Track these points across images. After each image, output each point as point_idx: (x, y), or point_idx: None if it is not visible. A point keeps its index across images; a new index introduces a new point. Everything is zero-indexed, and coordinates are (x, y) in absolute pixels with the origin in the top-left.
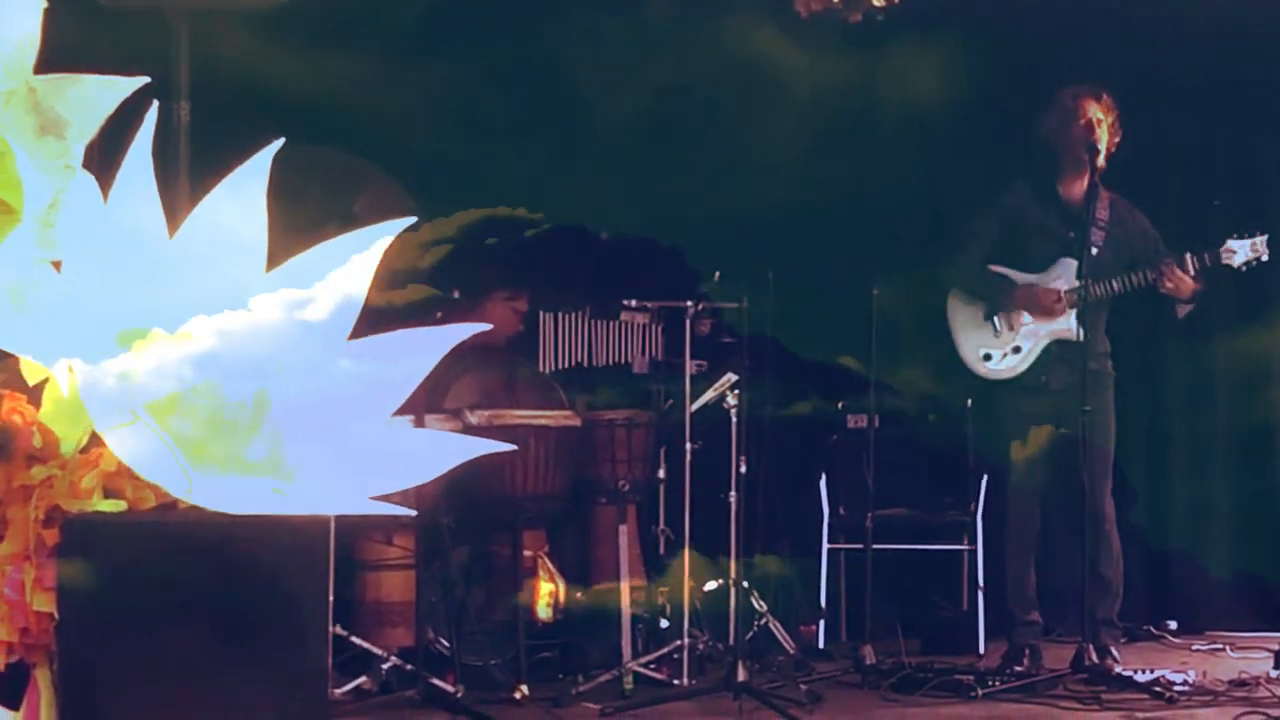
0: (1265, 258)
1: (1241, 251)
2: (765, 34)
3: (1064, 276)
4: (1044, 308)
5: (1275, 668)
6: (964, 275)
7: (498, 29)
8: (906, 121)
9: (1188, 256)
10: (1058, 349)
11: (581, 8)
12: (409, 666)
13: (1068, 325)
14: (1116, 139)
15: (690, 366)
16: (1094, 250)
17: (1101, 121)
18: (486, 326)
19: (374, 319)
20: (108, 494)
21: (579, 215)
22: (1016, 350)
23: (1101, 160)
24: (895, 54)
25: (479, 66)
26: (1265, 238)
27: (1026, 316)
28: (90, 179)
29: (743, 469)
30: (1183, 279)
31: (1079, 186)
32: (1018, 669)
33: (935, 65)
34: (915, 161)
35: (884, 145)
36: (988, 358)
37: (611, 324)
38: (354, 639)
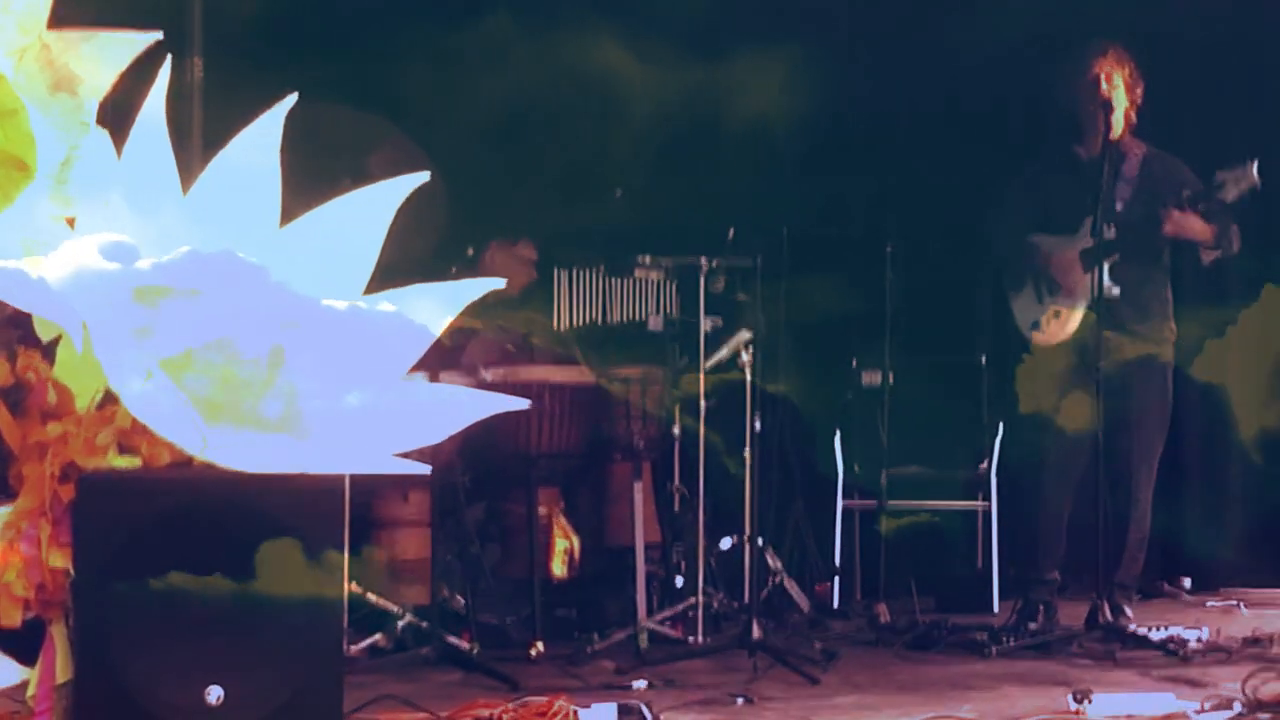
0: (1258, 184)
1: (1231, 181)
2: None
3: (1088, 237)
4: (1064, 269)
5: None
6: (999, 245)
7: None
8: None
9: (1185, 193)
10: (1108, 313)
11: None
12: (424, 624)
13: (1104, 283)
14: (1139, 89)
15: (706, 324)
16: (1118, 205)
17: (1113, 75)
18: (501, 282)
19: (388, 274)
20: (123, 450)
21: None
22: (1057, 315)
23: (1120, 116)
24: None
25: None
26: (1255, 163)
27: (1052, 287)
28: (104, 135)
29: (757, 426)
30: (1183, 219)
31: (1099, 145)
32: (1032, 625)
33: None
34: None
35: None
36: (1035, 326)
37: (625, 280)
38: (369, 596)
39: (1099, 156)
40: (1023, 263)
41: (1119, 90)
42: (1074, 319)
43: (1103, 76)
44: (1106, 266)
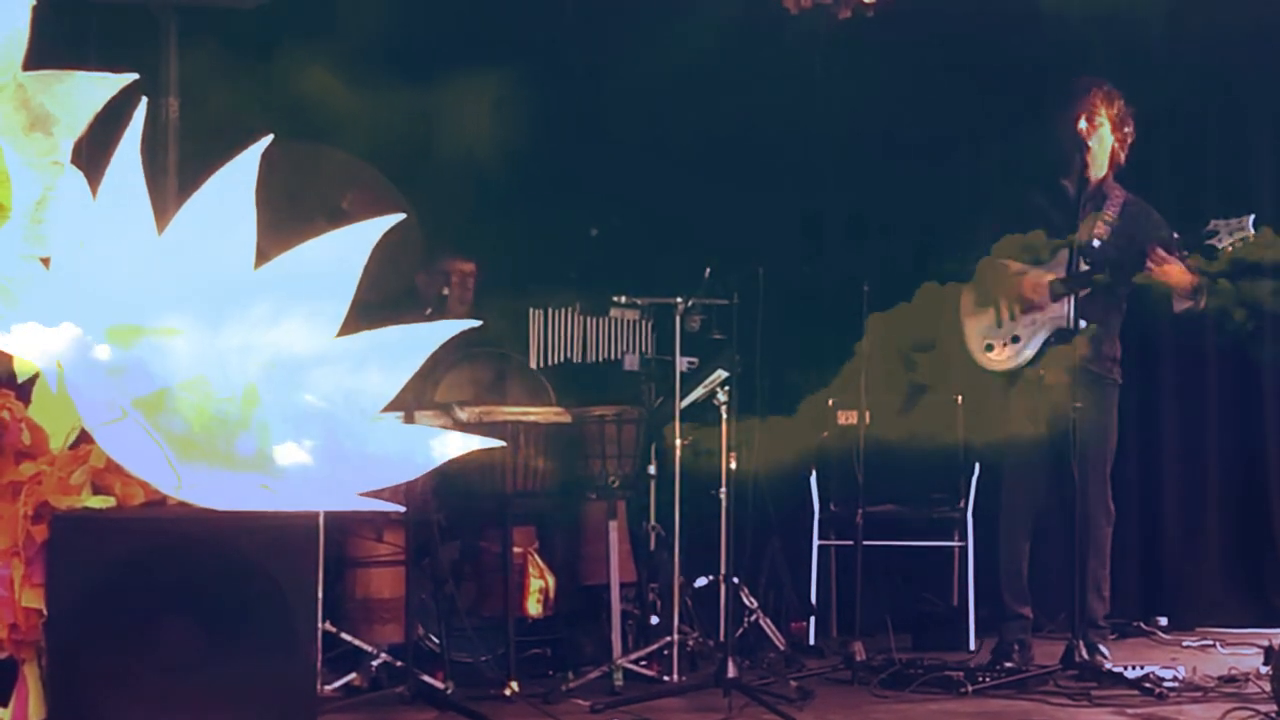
0: (1251, 237)
1: (1225, 231)
2: None
3: (1061, 266)
4: (1029, 296)
5: (1265, 664)
6: (968, 266)
7: None
8: None
9: (1174, 235)
10: (1058, 345)
11: None
12: (399, 663)
13: (1065, 314)
14: (1129, 128)
15: (681, 363)
16: (1096, 244)
17: (1095, 115)
18: (476, 323)
19: (362, 315)
20: (97, 490)
21: None
22: (1015, 339)
23: (1104, 156)
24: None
25: None
26: (1251, 217)
27: (1024, 306)
28: (79, 175)
29: (733, 465)
30: (1165, 261)
31: (1089, 183)
32: (1008, 664)
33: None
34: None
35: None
36: (989, 348)
37: (601, 320)
38: (344, 635)
39: (1078, 193)
40: (992, 283)
41: (1102, 130)
42: (1030, 345)
43: (1083, 116)
44: (1073, 300)
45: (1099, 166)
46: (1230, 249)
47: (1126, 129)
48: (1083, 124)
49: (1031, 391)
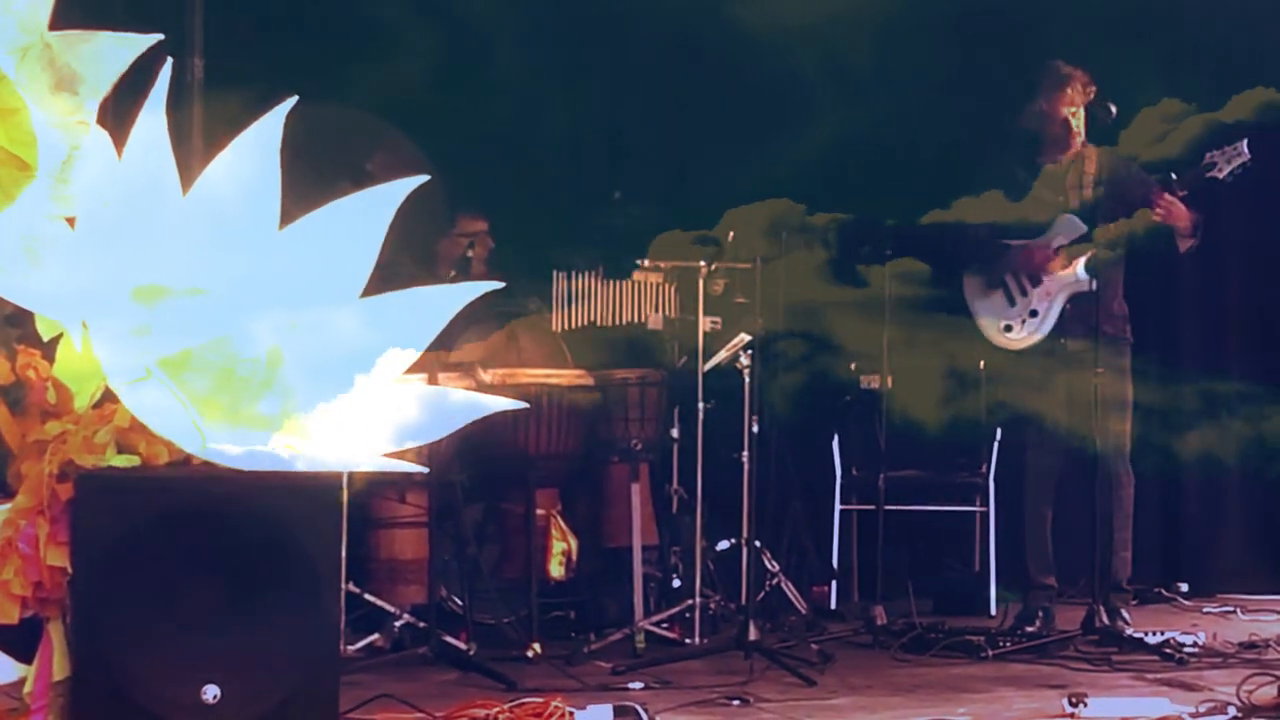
0: (1249, 160)
1: (1223, 160)
2: None
3: (1062, 233)
4: (1040, 264)
5: None
6: (965, 251)
7: None
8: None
9: (1172, 175)
10: (1073, 310)
11: None
12: (422, 624)
13: (1076, 278)
14: (1091, 91)
15: (705, 323)
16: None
17: (1074, 97)
18: (500, 284)
19: (387, 275)
20: (121, 449)
21: None
22: (1034, 314)
23: (1080, 125)
24: None
25: None
26: (1245, 141)
27: (1034, 279)
28: (104, 135)
29: (755, 429)
30: (1172, 203)
31: (1064, 157)
32: (1029, 630)
33: None
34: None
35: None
36: (1008, 329)
37: (624, 283)
38: (367, 596)
39: (1065, 166)
40: (997, 264)
41: (1080, 111)
42: (1050, 316)
43: (1067, 100)
44: (1082, 261)
45: (1078, 139)
46: (1230, 178)
47: (1089, 93)
48: (1065, 108)
49: (1054, 361)
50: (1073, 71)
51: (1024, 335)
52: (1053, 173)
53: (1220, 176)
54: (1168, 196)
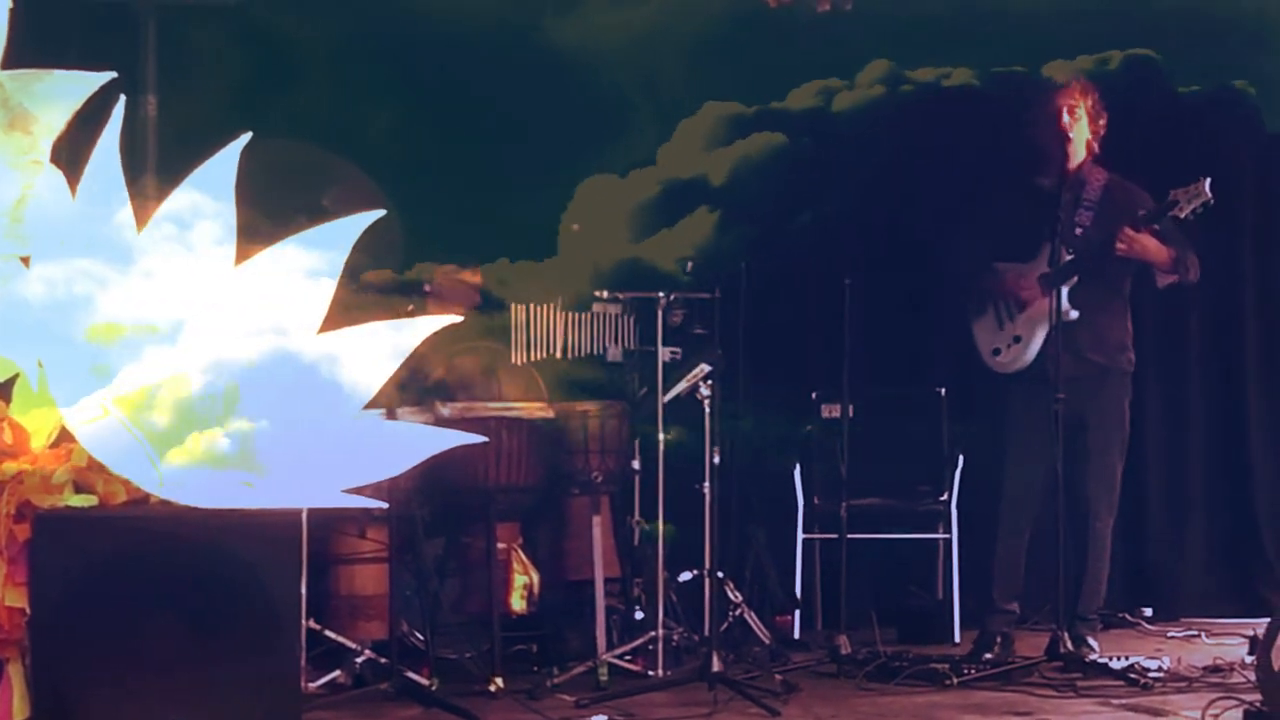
0: (1210, 201)
1: (1184, 199)
2: None
3: (1046, 259)
4: (1019, 293)
5: (1249, 654)
6: (960, 272)
7: None
8: None
9: (1139, 212)
10: (1064, 338)
11: None
12: (383, 660)
13: (1062, 307)
14: (1102, 120)
15: (664, 354)
16: (1078, 231)
17: (1075, 108)
18: (458, 318)
19: (344, 311)
20: (79, 489)
21: None
22: (1018, 340)
23: (1080, 145)
24: None
25: None
26: (1207, 181)
27: (1019, 304)
28: (58, 174)
29: (716, 459)
30: (1134, 239)
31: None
32: (988, 656)
33: None
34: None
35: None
36: (996, 352)
37: (584, 315)
38: (328, 633)
39: (1059, 185)
40: (984, 288)
41: (1081, 122)
42: (1034, 343)
43: (1065, 109)
44: (1065, 290)
45: (1076, 156)
46: (1192, 216)
47: (1101, 120)
48: (1065, 117)
49: (1033, 386)
50: (1078, 82)
51: (1010, 360)
52: (1046, 194)
53: (1181, 216)
54: (1129, 232)
